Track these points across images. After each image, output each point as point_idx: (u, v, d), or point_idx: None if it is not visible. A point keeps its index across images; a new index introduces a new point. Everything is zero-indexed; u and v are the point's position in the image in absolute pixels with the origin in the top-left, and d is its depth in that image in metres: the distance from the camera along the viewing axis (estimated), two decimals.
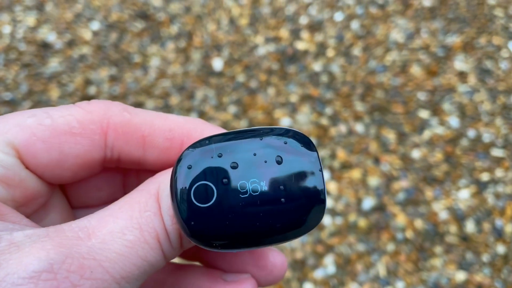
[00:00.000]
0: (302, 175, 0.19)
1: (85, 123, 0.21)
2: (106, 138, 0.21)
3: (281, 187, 0.19)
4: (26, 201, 0.21)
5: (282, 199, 0.19)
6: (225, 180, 0.18)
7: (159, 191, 0.20)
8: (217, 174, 0.18)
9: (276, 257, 0.25)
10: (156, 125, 0.22)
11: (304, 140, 0.20)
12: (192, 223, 0.18)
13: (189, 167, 0.19)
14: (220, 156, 0.19)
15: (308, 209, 0.19)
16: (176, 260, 0.24)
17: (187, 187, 0.18)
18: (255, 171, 0.18)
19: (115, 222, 0.19)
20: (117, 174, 0.25)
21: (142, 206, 0.20)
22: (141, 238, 0.19)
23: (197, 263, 0.26)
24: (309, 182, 0.19)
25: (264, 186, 0.18)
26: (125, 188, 0.25)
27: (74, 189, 0.24)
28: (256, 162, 0.19)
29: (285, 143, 0.19)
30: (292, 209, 0.19)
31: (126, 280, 0.18)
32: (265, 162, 0.19)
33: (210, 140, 0.19)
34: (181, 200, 0.18)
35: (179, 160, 0.19)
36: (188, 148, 0.19)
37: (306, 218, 0.19)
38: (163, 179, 0.21)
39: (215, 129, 0.23)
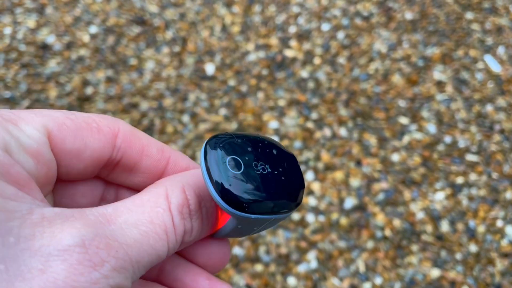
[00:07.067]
0: (290, 167, 0.25)
1: (102, 124, 0.24)
2: (116, 140, 0.24)
3: (280, 169, 0.25)
4: (44, 184, 0.22)
5: (283, 177, 0.24)
6: (246, 158, 0.23)
7: (168, 192, 0.23)
8: (241, 152, 0.23)
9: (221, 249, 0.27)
10: (151, 139, 0.26)
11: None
12: (230, 185, 0.22)
13: (221, 147, 0.23)
14: (239, 142, 0.24)
15: (298, 187, 0.25)
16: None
17: (223, 158, 0.22)
18: (262, 157, 0.24)
19: (129, 214, 0.21)
20: (100, 186, 0.27)
21: (153, 203, 0.22)
22: (153, 229, 0.21)
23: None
24: (296, 172, 0.25)
25: (268, 168, 0.24)
26: (101, 201, 0.27)
27: (63, 191, 0.26)
28: (262, 152, 0.24)
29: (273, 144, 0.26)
30: (291, 185, 0.24)
31: (138, 265, 0.20)
32: (267, 151, 0.25)
33: (226, 133, 0.24)
34: (218, 168, 0.22)
35: (209, 142, 0.23)
36: (211, 138, 0.24)
37: (298, 194, 0.25)
38: (169, 184, 0.24)
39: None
